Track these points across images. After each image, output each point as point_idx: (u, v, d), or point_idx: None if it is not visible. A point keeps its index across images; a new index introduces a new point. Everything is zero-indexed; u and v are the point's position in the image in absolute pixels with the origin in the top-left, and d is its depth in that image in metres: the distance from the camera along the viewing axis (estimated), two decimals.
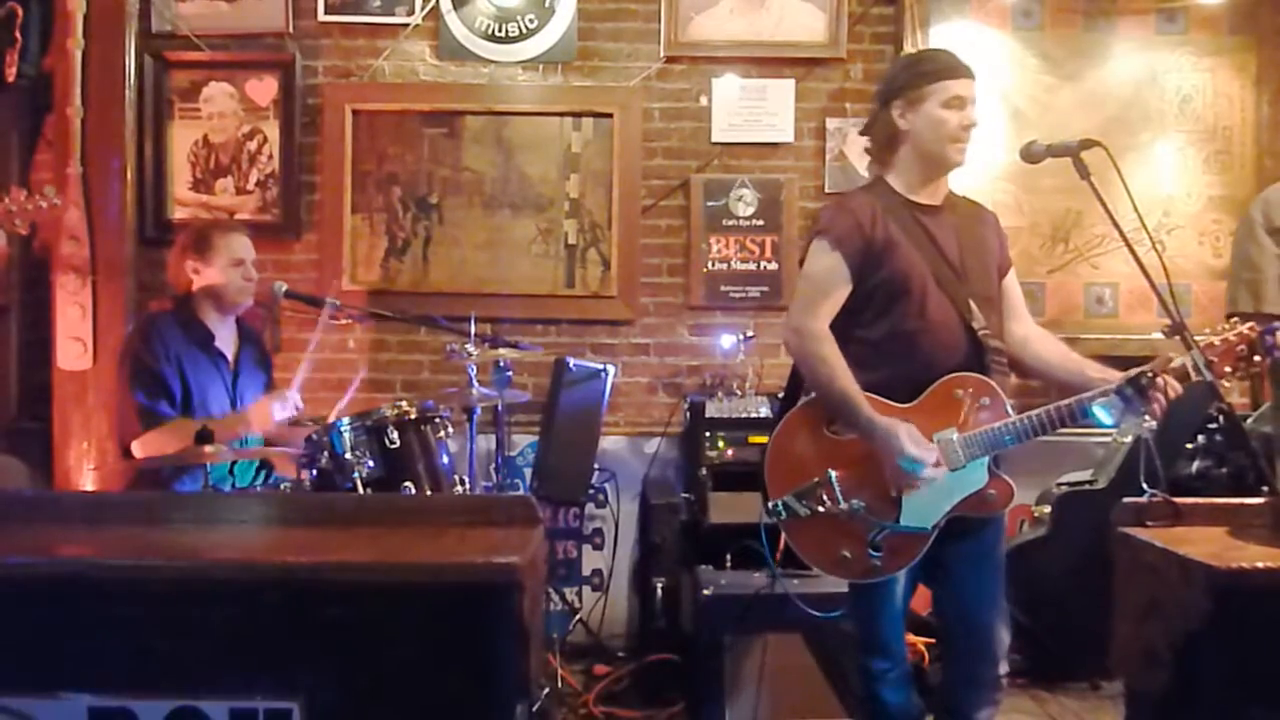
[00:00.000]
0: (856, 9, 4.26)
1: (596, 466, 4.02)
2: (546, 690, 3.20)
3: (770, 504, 2.34)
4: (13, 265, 3.98)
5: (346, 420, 3.03)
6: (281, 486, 3.07)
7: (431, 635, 1.64)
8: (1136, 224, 2.35)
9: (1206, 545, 1.87)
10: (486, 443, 3.81)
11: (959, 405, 2.29)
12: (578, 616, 4.06)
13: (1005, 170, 4.13)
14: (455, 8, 4.22)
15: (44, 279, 3.97)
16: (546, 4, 4.23)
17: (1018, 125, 4.11)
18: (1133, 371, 2.22)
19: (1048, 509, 3.71)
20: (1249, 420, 3.47)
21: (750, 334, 4.07)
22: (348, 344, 4.26)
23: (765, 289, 4.28)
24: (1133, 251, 2.27)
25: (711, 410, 3.79)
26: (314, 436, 3.02)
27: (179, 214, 4.22)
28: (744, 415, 3.77)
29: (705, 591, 3.12)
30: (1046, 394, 2.48)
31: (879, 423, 2.24)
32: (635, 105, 4.25)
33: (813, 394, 2.36)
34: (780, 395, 2.58)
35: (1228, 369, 2.22)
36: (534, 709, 1.84)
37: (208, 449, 2.69)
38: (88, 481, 3.84)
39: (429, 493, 3.04)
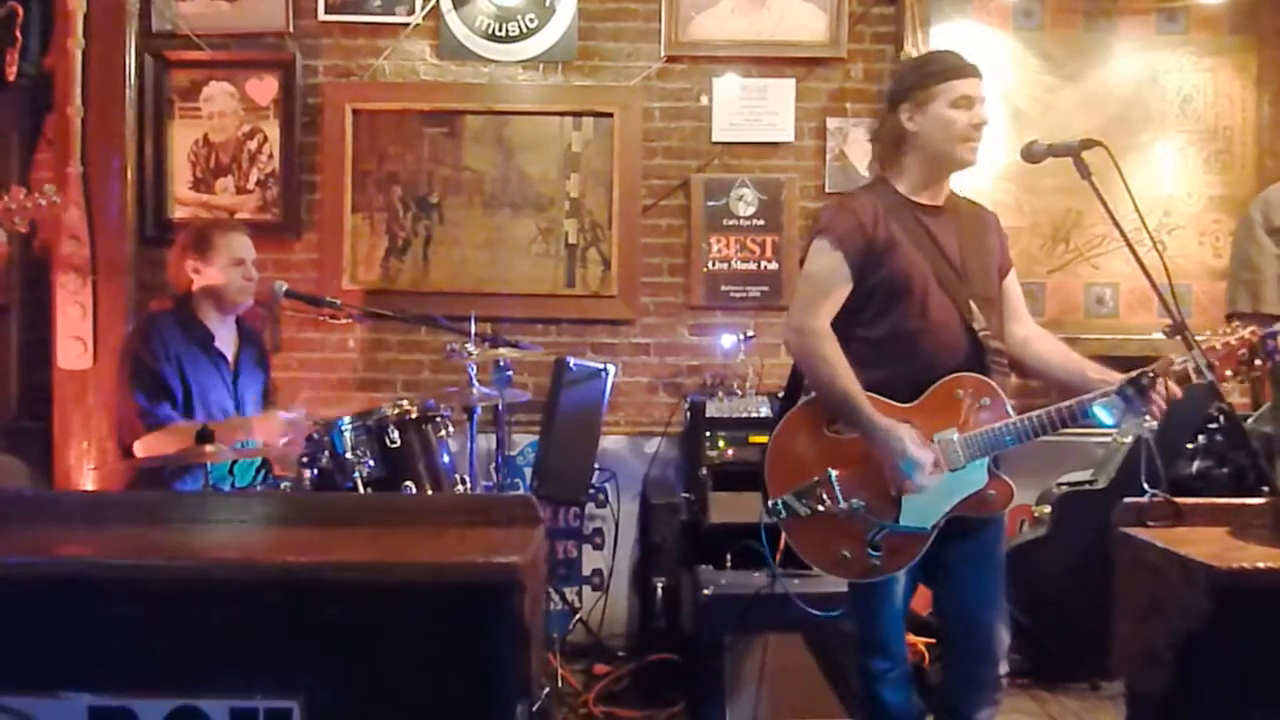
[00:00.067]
0: (857, 9, 4.26)
1: (597, 466, 4.02)
2: (547, 690, 3.20)
3: (770, 503, 2.34)
4: (13, 264, 3.98)
5: (347, 419, 3.03)
6: (282, 486, 3.07)
7: (432, 635, 1.64)
8: (1137, 224, 2.35)
9: (1207, 545, 1.87)
10: (487, 442, 3.81)
11: (959, 405, 2.29)
12: (578, 616, 4.06)
13: (1006, 170, 4.13)
14: (455, 7, 4.22)
15: (44, 278, 3.97)
16: (547, 3, 4.23)
17: (1018, 125, 4.11)
18: (1134, 372, 2.22)
19: (1048, 509, 3.71)
20: (1249, 420, 3.47)
21: (750, 334, 4.07)
22: (348, 344, 4.26)
23: (766, 289, 4.28)
24: (1133, 251, 2.27)
25: (712, 410, 3.79)
26: (315, 436, 3.02)
27: (179, 213, 4.22)
28: (744, 415, 3.76)
29: (705, 591, 3.12)
30: (1047, 394, 2.48)
31: (880, 423, 2.24)
32: (636, 105, 4.25)
33: (813, 393, 2.36)
34: (780, 395, 2.58)
35: (1228, 372, 2.22)
36: (534, 708, 1.84)
37: (208, 449, 2.69)
38: (88, 481, 3.84)
39: (429, 492, 3.04)
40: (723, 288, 4.29)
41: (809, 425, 2.35)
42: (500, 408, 3.56)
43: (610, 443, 4.15)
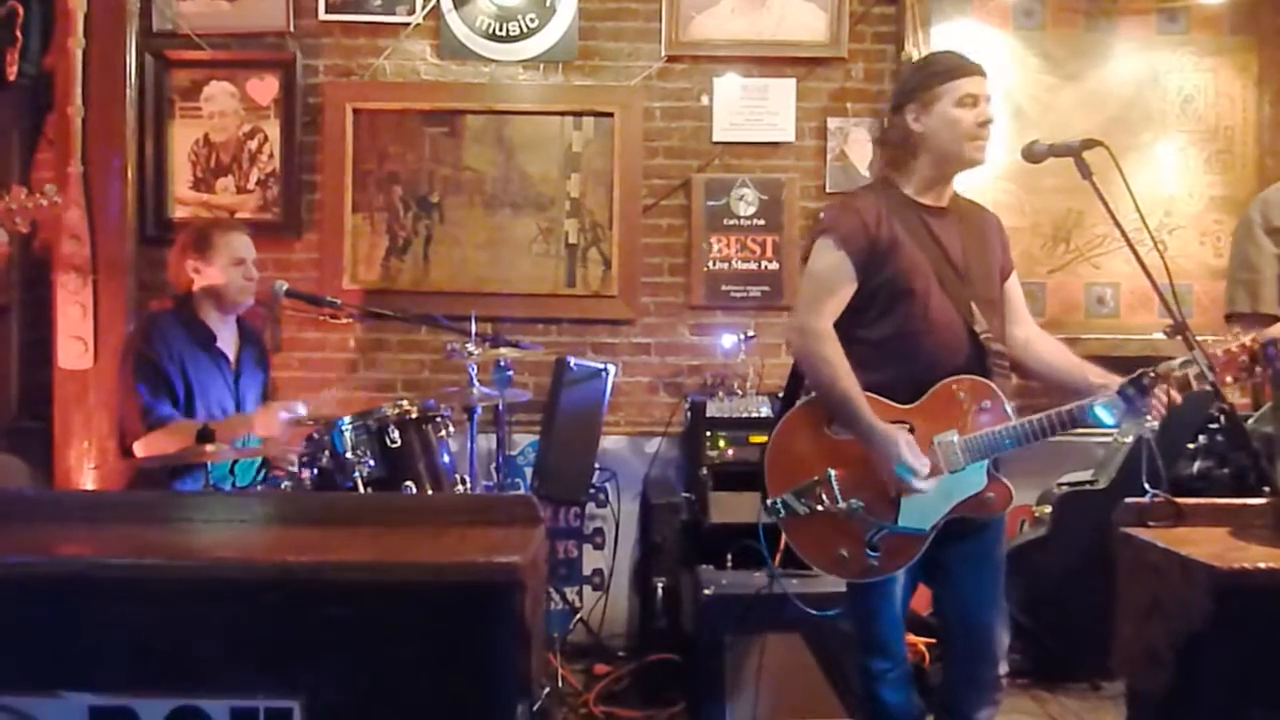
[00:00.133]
0: (858, 8, 4.26)
1: (597, 466, 4.02)
2: (547, 690, 3.20)
3: (769, 501, 2.35)
4: (13, 264, 3.98)
5: (348, 419, 3.03)
6: (282, 486, 3.07)
7: (432, 634, 1.64)
8: (1138, 224, 2.34)
9: (1208, 545, 1.87)
10: (487, 442, 3.80)
11: (960, 407, 2.29)
12: (578, 616, 4.06)
13: (1006, 170, 4.13)
14: (456, 7, 4.22)
15: (45, 278, 3.98)
16: (547, 3, 4.23)
17: (1019, 125, 4.11)
18: (1135, 372, 2.22)
19: (1048, 509, 3.71)
20: (1250, 420, 3.46)
21: (751, 334, 4.07)
22: (348, 343, 4.26)
23: (766, 289, 4.28)
24: (1134, 251, 2.27)
25: (712, 410, 3.79)
26: (315, 435, 3.02)
27: (180, 213, 4.22)
28: (745, 415, 3.76)
29: (706, 591, 3.12)
30: (1048, 394, 2.48)
31: (878, 428, 2.24)
32: (636, 104, 4.25)
33: (814, 393, 2.36)
34: (781, 395, 2.58)
35: (1229, 379, 2.22)
36: (534, 708, 1.84)
37: (209, 448, 2.69)
38: (88, 481, 3.84)
39: (430, 492, 3.04)
40: (723, 288, 4.29)
41: (809, 425, 2.35)
42: (500, 407, 3.56)
43: (611, 442, 4.15)
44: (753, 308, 4.27)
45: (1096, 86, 4.24)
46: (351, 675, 1.63)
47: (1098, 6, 4.26)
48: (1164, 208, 4.23)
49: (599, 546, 4.21)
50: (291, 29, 4.20)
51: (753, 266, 4.28)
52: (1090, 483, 3.68)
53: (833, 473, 2.30)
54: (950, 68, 2.35)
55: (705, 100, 4.28)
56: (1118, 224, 2.31)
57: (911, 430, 2.28)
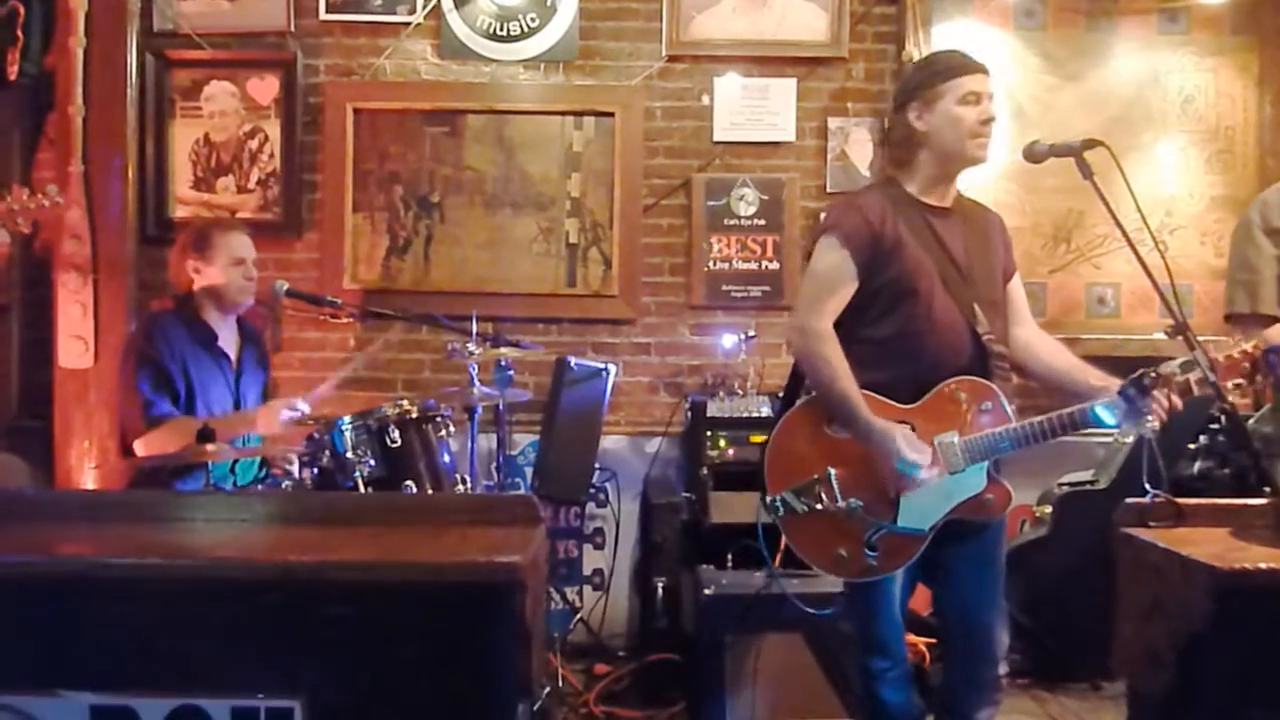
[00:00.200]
0: (858, 8, 4.26)
1: (597, 466, 4.03)
2: (547, 689, 3.20)
3: (768, 499, 2.35)
4: (14, 264, 3.98)
5: (348, 419, 3.03)
6: (282, 485, 3.07)
7: (433, 634, 1.63)
8: (1139, 224, 2.34)
9: (1209, 546, 1.86)
10: (488, 442, 3.80)
11: (961, 408, 2.29)
12: (578, 616, 4.06)
13: (1007, 170, 4.13)
14: (457, 6, 4.22)
15: (45, 277, 3.98)
16: (548, 3, 4.23)
17: (1020, 125, 4.11)
18: (1136, 373, 2.22)
19: (1049, 509, 3.70)
20: (1251, 421, 3.46)
21: (751, 333, 4.07)
22: (349, 343, 4.26)
23: (767, 288, 4.28)
24: (1135, 251, 2.27)
25: (713, 410, 3.79)
26: (315, 435, 3.02)
27: (180, 213, 4.22)
28: (745, 415, 3.76)
29: (706, 591, 3.12)
30: (1049, 395, 2.48)
31: (876, 426, 2.24)
32: (637, 104, 4.25)
33: (813, 392, 2.36)
34: (781, 394, 2.58)
35: (1230, 384, 2.22)
36: (535, 708, 1.84)
37: (209, 447, 2.69)
38: (89, 480, 3.84)
39: (430, 492, 3.04)
40: (724, 287, 4.29)
41: (809, 424, 2.35)
42: (501, 407, 3.56)
43: (611, 442, 4.15)
44: (753, 308, 4.27)
45: (1097, 86, 4.24)
46: (352, 675, 1.63)
47: (1099, 7, 4.26)
48: (1165, 208, 4.23)
49: (599, 546, 4.21)
50: (292, 29, 4.20)
51: (753, 266, 4.28)
52: (1091, 483, 3.68)
53: (832, 471, 2.30)
54: (953, 66, 2.35)
55: (706, 100, 4.28)
56: (1118, 224, 2.31)
57: (912, 429, 2.28)
